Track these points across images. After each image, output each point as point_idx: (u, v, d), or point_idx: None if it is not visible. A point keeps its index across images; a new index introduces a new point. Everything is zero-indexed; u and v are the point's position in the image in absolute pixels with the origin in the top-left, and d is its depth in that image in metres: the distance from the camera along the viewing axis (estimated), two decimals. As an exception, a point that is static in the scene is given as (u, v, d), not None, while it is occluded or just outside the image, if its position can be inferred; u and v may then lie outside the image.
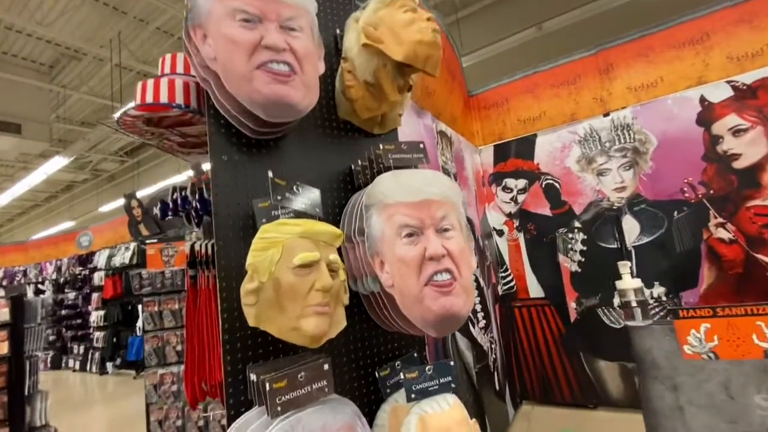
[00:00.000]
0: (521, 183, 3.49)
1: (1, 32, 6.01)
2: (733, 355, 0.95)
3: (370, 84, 1.08)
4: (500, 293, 3.51)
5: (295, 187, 0.91)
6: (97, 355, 6.96)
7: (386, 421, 1.07)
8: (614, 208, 3.11)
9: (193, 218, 1.08)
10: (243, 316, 0.98)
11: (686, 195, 2.89)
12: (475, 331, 2.75)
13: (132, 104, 1.13)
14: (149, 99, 1.09)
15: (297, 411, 0.80)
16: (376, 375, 1.12)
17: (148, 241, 2.89)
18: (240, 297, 0.97)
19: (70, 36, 6.00)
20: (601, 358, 3.14)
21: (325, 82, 1.22)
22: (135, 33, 6.15)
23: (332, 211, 1.19)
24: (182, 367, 2.66)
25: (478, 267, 2.94)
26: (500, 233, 3.60)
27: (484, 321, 2.93)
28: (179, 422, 2.59)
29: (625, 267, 1.11)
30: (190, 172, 1.35)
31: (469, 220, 2.85)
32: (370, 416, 1.11)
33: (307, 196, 0.94)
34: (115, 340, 6.80)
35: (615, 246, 3.10)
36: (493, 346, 3.02)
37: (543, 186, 3.39)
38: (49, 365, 7.65)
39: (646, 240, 2.99)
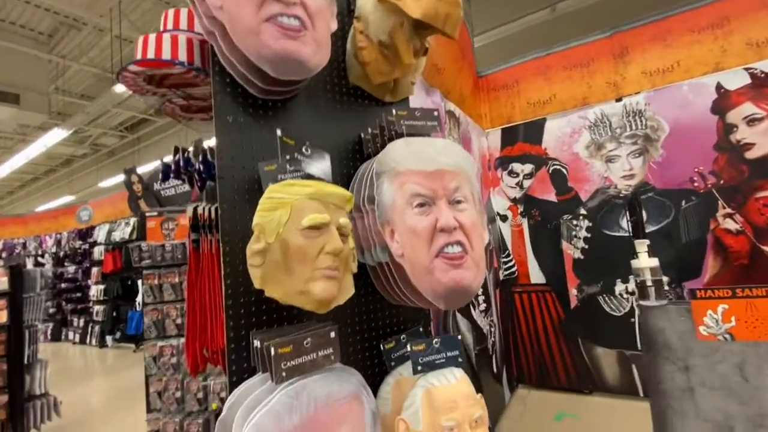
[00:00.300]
0: (528, 168, 3.44)
1: (-2, -3, 5.84)
2: (750, 336, 0.93)
3: (384, 45, 1.02)
4: (501, 278, 3.50)
5: (304, 148, 0.87)
6: (96, 328, 7.01)
7: (390, 393, 1.05)
8: (621, 195, 3.07)
9: (195, 181, 1.03)
10: (246, 282, 0.95)
11: (695, 184, 2.85)
12: (476, 314, 2.74)
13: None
14: (150, 54, 1.04)
15: (302, 377, 0.78)
16: (381, 348, 1.09)
17: (148, 214, 2.86)
18: (244, 262, 0.93)
19: (69, 3, 5.83)
20: (600, 345, 3.15)
21: (335, 44, 1.16)
22: (136, 2, 5.98)
23: (341, 181, 1.14)
24: (182, 340, 2.66)
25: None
26: (504, 218, 3.57)
27: (485, 304, 2.93)
28: (178, 394, 2.60)
29: (642, 245, 1.07)
30: (191, 149, 1.30)
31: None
32: (373, 389, 1.10)
33: (317, 159, 0.90)
34: (114, 314, 6.85)
35: (620, 234, 3.07)
36: (492, 329, 3.02)
37: (550, 171, 3.34)
38: (49, 337, 7.72)
39: (651, 229, 2.96)
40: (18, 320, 3.21)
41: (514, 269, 3.52)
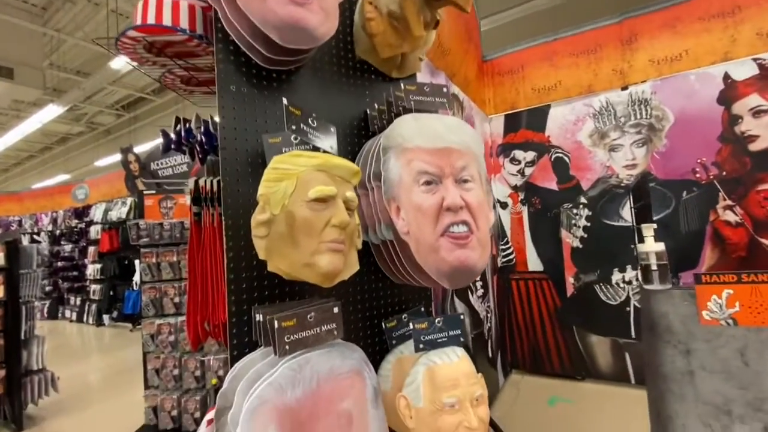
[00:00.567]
0: (530, 155, 3.41)
1: (-10, -34, 5.65)
2: (754, 322, 0.93)
3: (394, 16, 0.99)
4: (499, 265, 3.51)
5: (310, 120, 0.84)
6: (93, 307, 7.02)
7: (390, 371, 1.05)
8: (622, 185, 3.06)
9: (197, 153, 1.01)
10: (248, 256, 0.94)
11: (698, 175, 2.84)
12: (473, 299, 2.76)
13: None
14: (151, 19, 1.00)
15: (305, 351, 0.77)
16: (383, 326, 1.09)
17: (146, 192, 2.83)
18: (246, 237, 0.92)
19: (64, -26, 5.66)
20: (594, 333, 3.18)
21: (343, 15, 1.12)
22: (133, -25, 5.80)
23: (345, 158, 1.12)
24: (180, 318, 2.66)
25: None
26: (504, 205, 3.56)
27: (482, 290, 2.94)
28: (176, 371, 2.61)
29: (649, 230, 1.06)
30: (193, 120, 1.27)
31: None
32: (374, 367, 1.10)
33: (323, 132, 0.87)
34: (111, 293, 6.85)
35: (619, 223, 3.07)
36: (488, 315, 3.04)
37: (552, 159, 3.32)
38: (45, 315, 7.74)
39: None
40: (15, 296, 3.20)
41: (512, 256, 3.53)
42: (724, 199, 2.78)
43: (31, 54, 7.23)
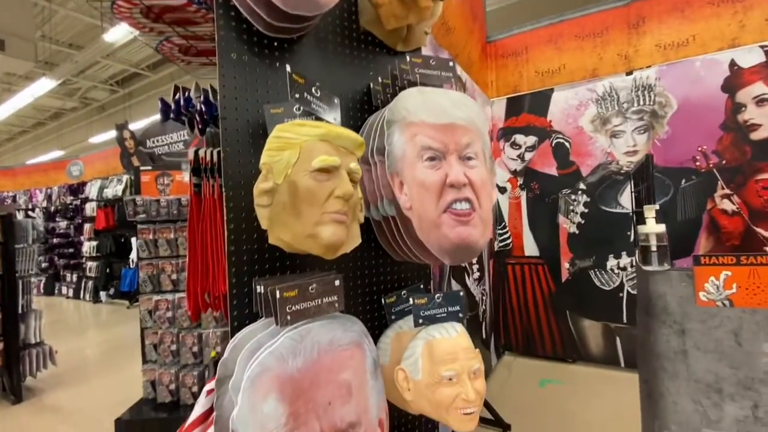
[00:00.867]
0: (531, 140, 3.39)
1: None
2: (750, 303, 0.94)
3: (401, -15, 0.96)
4: (496, 249, 3.53)
5: (314, 89, 0.82)
6: (90, 284, 7.04)
7: (389, 346, 1.06)
8: (622, 172, 3.06)
9: (196, 123, 0.99)
10: (249, 228, 0.94)
11: (697, 163, 2.84)
12: (470, 282, 2.78)
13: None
14: (149, -19, 0.96)
15: (307, 322, 0.77)
16: (382, 302, 1.10)
17: (142, 168, 2.79)
18: (247, 209, 0.91)
19: (54, -60, 5.44)
20: (587, 317, 3.23)
21: (347, -16, 1.09)
22: (126, -57, 5.58)
23: (347, 132, 1.11)
24: (177, 295, 2.67)
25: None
26: (503, 190, 3.55)
27: (479, 273, 2.97)
28: (174, 347, 2.64)
29: (651, 211, 1.07)
30: (192, 88, 1.24)
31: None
32: (373, 341, 1.11)
33: (326, 102, 0.85)
34: (108, 270, 6.86)
35: (617, 210, 3.08)
36: (484, 297, 3.08)
37: (553, 145, 3.30)
38: (42, 291, 7.75)
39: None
40: (11, 270, 3.20)
41: (509, 241, 3.55)
42: (723, 188, 2.79)
43: (23, 25, 7.00)
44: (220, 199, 0.95)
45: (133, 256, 6.08)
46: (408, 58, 0.95)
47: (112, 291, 6.79)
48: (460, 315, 1.00)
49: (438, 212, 0.93)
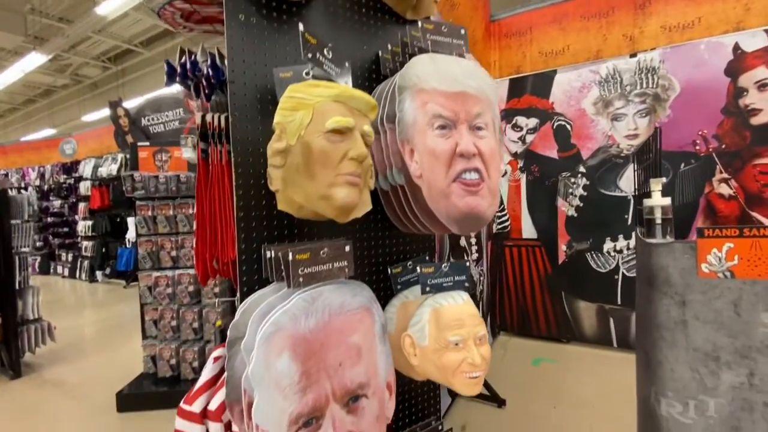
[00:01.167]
0: (532, 122, 3.37)
1: None
2: (750, 274, 0.96)
3: (414, -53, 0.93)
4: (494, 231, 3.55)
5: (326, 50, 0.81)
6: (86, 263, 7.01)
7: (395, 314, 1.08)
8: (622, 155, 3.06)
9: (202, 88, 0.97)
10: (258, 194, 0.93)
11: (697, 148, 2.85)
12: (468, 262, 2.81)
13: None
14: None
15: (318, 286, 0.78)
16: (389, 272, 1.11)
17: (140, 144, 2.75)
18: (256, 175, 0.91)
19: None
20: (582, 299, 3.29)
21: (357, -53, 1.06)
22: None
23: (355, 101, 1.09)
24: (177, 271, 2.68)
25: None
26: (502, 173, 3.55)
27: (477, 254, 2.99)
28: (174, 323, 2.66)
29: (657, 184, 1.07)
30: (198, 51, 1.19)
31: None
32: (378, 311, 1.12)
33: (338, 65, 0.84)
34: (104, 250, 6.83)
35: (615, 193, 3.10)
36: (481, 278, 3.11)
37: (554, 127, 3.29)
38: (36, 270, 7.72)
39: (648, 190, 2.99)
40: (7, 246, 3.17)
41: (507, 224, 3.57)
42: (721, 172, 2.81)
43: (10, -4, 6.77)
44: (228, 164, 0.94)
45: (129, 235, 6.05)
46: (420, 24, 0.93)
47: (108, 270, 6.78)
48: (466, 285, 1.02)
49: (447, 181, 0.93)
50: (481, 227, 0.99)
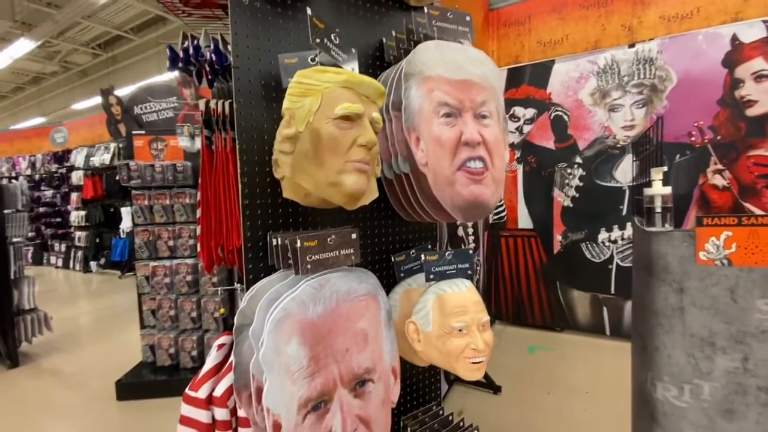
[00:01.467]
0: (530, 113, 3.37)
1: None
2: (747, 262, 0.98)
3: (420, -68, 0.92)
4: (491, 222, 3.58)
5: (333, 35, 0.80)
6: (79, 253, 6.95)
7: (398, 302, 1.09)
8: (618, 146, 3.08)
9: (205, 73, 0.96)
10: (264, 182, 0.93)
11: (693, 139, 2.87)
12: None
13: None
14: None
15: (325, 273, 0.79)
16: (392, 260, 1.12)
17: (135, 132, 2.71)
18: (261, 162, 0.90)
19: None
20: (576, 289, 3.33)
21: (361, -69, 1.04)
22: None
23: (358, 89, 1.09)
24: (175, 261, 2.67)
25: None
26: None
27: (474, 244, 3.01)
28: (172, 312, 2.66)
29: (658, 173, 1.09)
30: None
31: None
32: (381, 299, 1.13)
33: (345, 51, 0.84)
34: (98, 240, 6.77)
35: (611, 184, 3.13)
36: (477, 268, 3.14)
37: (551, 118, 3.29)
38: (29, 260, 7.63)
39: (642, 181, 3.01)
40: (1, 236, 3.14)
41: (503, 214, 3.59)
42: (715, 164, 2.84)
43: (-5, -21, 6.56)
44: (233, 152, 0.94)
45: (123, 225, 5.99)
46: (426, 10, 0.93)
47: (102, 261, 6.73)
48: (469, 272, 1.03)
49: (452, 170, 0.93)
50: (485, 215, 1.00)
